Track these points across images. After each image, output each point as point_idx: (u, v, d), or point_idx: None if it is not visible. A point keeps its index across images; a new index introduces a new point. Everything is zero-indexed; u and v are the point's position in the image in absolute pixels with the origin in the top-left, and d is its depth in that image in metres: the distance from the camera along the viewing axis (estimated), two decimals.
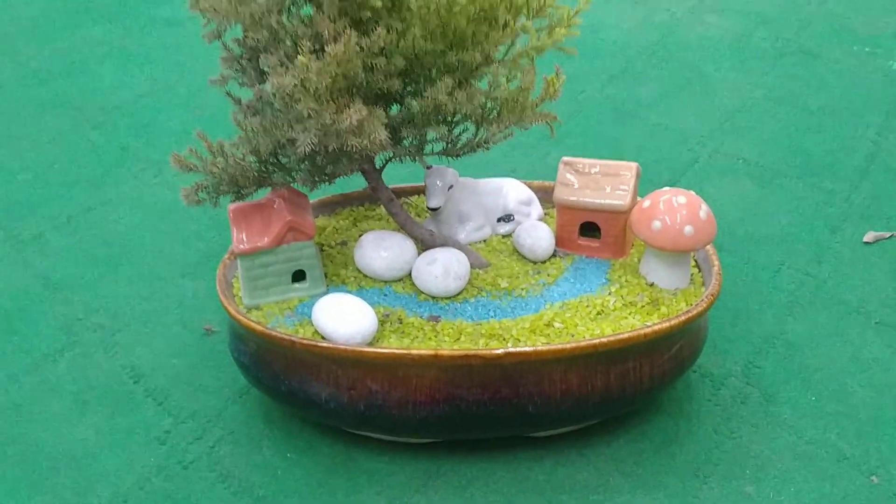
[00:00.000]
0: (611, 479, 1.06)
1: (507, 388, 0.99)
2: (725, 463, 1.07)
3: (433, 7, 0.91)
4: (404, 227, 1.12)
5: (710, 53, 2.01)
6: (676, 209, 1.04)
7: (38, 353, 1.25)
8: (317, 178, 1.05)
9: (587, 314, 1.05)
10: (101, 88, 1.92)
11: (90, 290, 1.36)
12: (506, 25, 0.96)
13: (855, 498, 1.03)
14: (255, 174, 1.03)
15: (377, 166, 1.09)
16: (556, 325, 1.03)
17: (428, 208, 1.13)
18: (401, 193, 1.25)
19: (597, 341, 0.97)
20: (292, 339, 0.99)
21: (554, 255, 1.15)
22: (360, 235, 1.16)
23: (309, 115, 0.91)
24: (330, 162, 1.03)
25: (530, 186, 1.23)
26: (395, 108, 1.02)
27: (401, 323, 1.04)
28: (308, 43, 0.89)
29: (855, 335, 1.25)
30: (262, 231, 1.04)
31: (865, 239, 1.43)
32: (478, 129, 1.06)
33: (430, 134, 1.04)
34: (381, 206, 1.23)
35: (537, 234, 1.14)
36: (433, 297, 1.08)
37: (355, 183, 1.16)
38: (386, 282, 1.11)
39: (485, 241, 1.18)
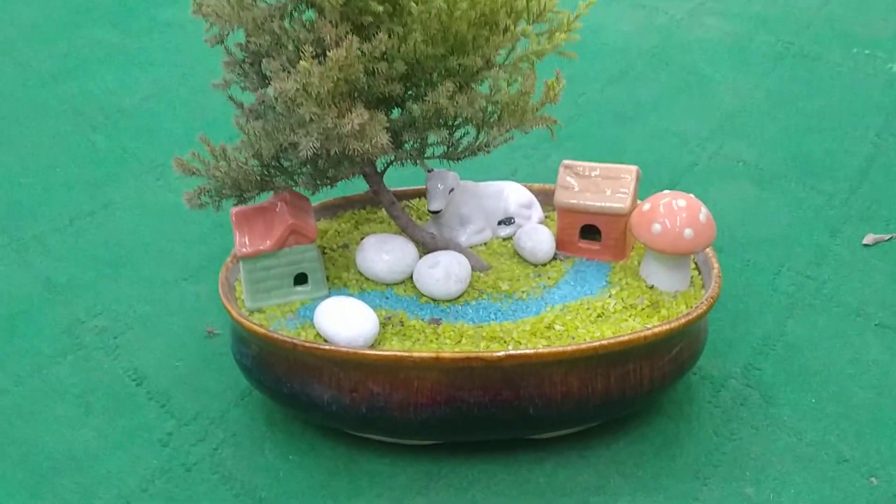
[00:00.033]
0: (611, 481, 1.06)
1: (507, 390, 0.99)
2: (725, 465, 1.07)
3: (434, 12, 0.91)
4: (406, 231, 1.13)
5: (709, 56, 2.01)
6: (676, 212, 1.05)
7: (41, 355, 1.25)
8: (319, 182, 1.05)
9: (588, 317, 1.05)
10: (102, 91, 1.92)
11: (92, 293, 1.36)
12: (506, 30, 0.97)
13: (855, 499, 1.03)
14: (258, 178, 1.03)
15: (378, 170, 1.10)
16: (557, 327, 1.03)
17: (429, 211, 1.13)
18: (402, 196, 1.26)
19: (597, 344, 0.98)
20: (294, 341, 0.99)
21: (554, 258, 1.15)
22: (362, 238, 1.16)
23: (311, 119, 0.92)
24: (332, 165, 1.03)
25: (531, 189, 1.23)
26: (396, 112, 1.02)
27: (402, 325, 1.04)
28: (310, 48, 0.90)
29: (855, 337, 1.25)
30: (265, 234, 1.05)
31: (865, 241, 1.43)
32: (478, 133, 1.06)
33: (431, 137, 1.04)
34: (383, 210, 1.23)
35: (538, 237, 1.14)
36: (434, 300, 1.08)
37: (357, 186, 1.17)
38: (387, 284, 1.11)
39: (486, 243, 1.19)
